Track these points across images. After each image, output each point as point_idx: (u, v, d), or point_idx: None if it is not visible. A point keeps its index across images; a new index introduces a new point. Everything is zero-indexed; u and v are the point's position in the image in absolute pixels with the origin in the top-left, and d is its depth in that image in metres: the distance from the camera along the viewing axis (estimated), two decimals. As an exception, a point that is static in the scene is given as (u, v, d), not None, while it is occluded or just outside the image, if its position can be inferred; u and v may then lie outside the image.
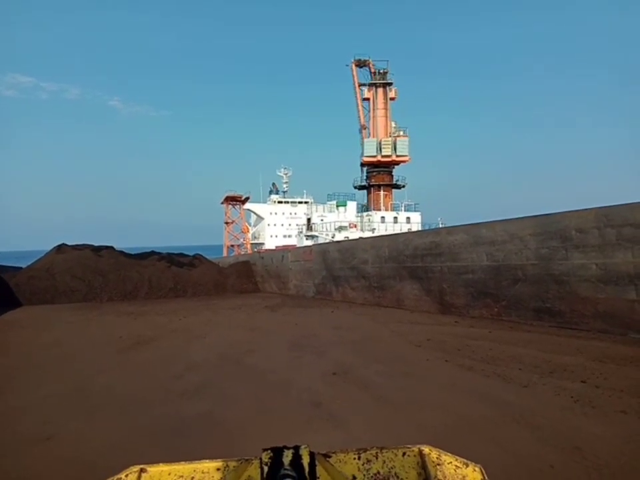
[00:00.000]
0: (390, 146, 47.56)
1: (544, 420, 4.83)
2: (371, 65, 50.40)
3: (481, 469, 1.34)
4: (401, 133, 49.84)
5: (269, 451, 1.27)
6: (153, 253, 30.59)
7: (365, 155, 48.74)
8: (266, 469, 1.24)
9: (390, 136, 48.62)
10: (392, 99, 50.21)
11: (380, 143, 48.01)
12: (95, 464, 4.10)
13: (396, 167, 49.84)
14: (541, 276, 11.27)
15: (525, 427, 4.65)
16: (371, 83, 50.19)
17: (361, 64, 50.53)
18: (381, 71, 50.18)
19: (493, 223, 12.94)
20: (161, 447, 4.49)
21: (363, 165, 50.16)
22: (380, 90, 49.74)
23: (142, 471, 1.31)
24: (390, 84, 49.65)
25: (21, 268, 26.25)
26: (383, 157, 47.98)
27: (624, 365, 6.97)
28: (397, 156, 47.63)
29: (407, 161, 48.74)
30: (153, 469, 1.32)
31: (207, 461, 1.35)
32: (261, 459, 1.27)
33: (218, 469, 1.33)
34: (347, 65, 50.69)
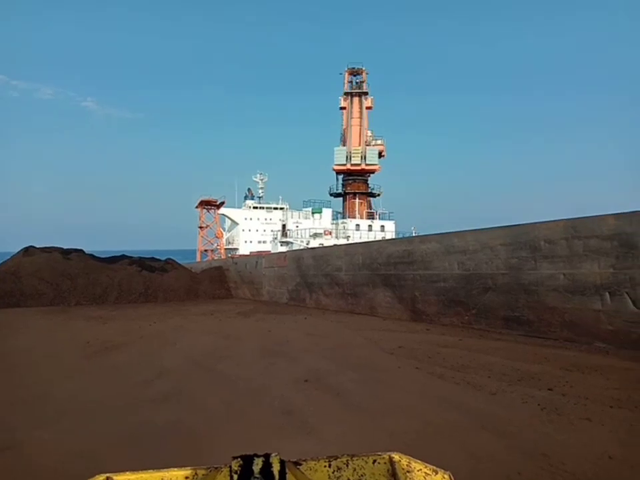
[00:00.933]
0: (359, 155, 47.99)
1: (512, 427, 4.91)
2: (364, 74, 50.70)
3: (450, 475, 1.35)
4: (378, 142, 50.32)
5: (239, 459, 1.25)
6: (123, 256, 30.03)
7: (335, 163, 49.13)
8: (236, 477, 1.22)
9: (367, 144, 49.05)
10: (368, 108, 50.65)
11: (350, 152, 48.45)
12: (59, 473, 3.99)
13: (371, 175, 50.27)
14: (511, 285, 11.49)
15: (494, 433, 4.72)
16: (347, 92, 50.58)
17: (354, 72, 50.83)
18: (358, 81, 50.65)
19: (465, 232, 13.14)
20: (128, 455, 4.39)
21: (338, 173, 50.47)
22: (355, 99, 50.15)
23: (108, 479, 1.29)
24: (366, 93, 50.11)
25: (-15, 270, 25.46)
26: (352, 165, 48.40)
27: (589, 374, 7.15)
28: (367, 165, 48.04)
29: (377, 170, 49.19)
30: (120, 477, 1.30)
31: (176, 469, 1.33)
32: (230, 467, 1.25)
33: (186, 477, 1.31)
34: (341, 74, 50.91)
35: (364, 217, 46.51)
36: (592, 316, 9.67)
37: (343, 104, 51.00)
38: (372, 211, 48.47)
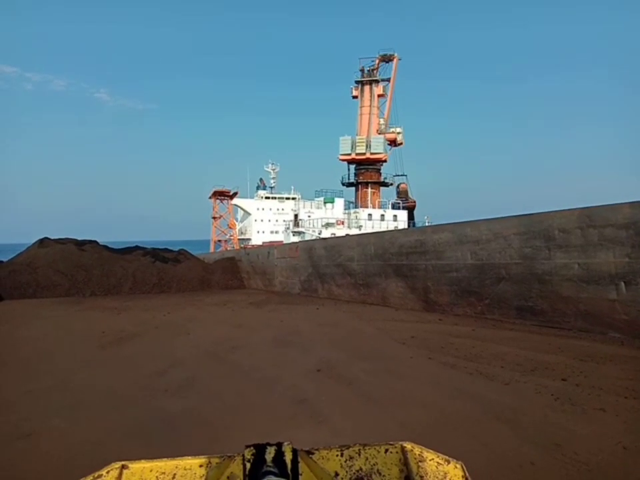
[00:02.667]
0: (364, 144, 47.63)
1: (525, 417, 4.89)
2: (395, 60, 50.04)
3: (462, 465, 1.35)
4: (395, 129, 50.01)
5: (252, 448, 1.26)
6: (137, 247, 30.30)
7: (340, 152, 48.92)
8: (248, 465, 1.24)
9: (379, 132, 48.74)
10: (380, 95, 50.26)
11: (354, 141, 48.17)
12: (76, 460, 4.06)
13: (384, 164, 50.01)
14: (524, 275, 11.40)
15: (506, 424, 4.71)
16: (357, 81, 50.20)
17: (386, 59, 50.28)
18: (369, 68, 50.20)
19: (478, 222, 13.04)
20: (143, 443, 4.46)
21: (349, 162, 50.27)
22: (366, 87, 49.78)
23: (123, 467, 1.30)
24: (377, 81, 49.70)
25: (2, 262, 25.84)
26: (357, 154, 48.10)
27: (603, 364, 7.09)
28: (371, 154, 47.64)
29: (382, 159, 48.76)
30: (135, 466, 1.31)
31: (190, 457, 1.35)
32: (243, 455, 1.27)
33: (200, 466, 1.33)
34: (373, 61, 50.43)
35: (376, 206, 46.38)
36: (607, 305, 9.57)
37: (354, 93, 50.71)
38: (381, 200, 48.15)
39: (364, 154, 47.66)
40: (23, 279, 23.02)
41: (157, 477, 1.30)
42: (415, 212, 48.47)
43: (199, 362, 8.15)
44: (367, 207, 45.58)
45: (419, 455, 1.36)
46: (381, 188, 50.59)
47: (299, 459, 1.26)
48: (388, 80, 50.23)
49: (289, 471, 1.23)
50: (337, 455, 1.35)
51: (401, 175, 51.80)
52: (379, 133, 48.88)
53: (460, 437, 4.38)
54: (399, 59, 50.22)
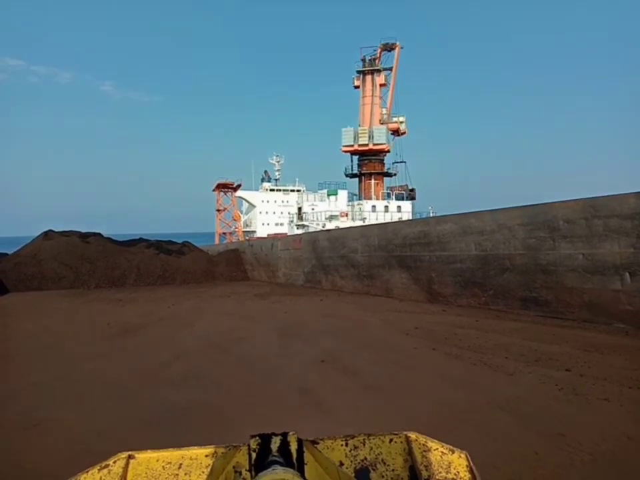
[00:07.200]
0: (366, 135, 47.26)
1: (529, 407, 4.90)
2: (397, 48, 49.54)
3: (466, 455, 1.35)
4: (398, 119, 49.69)
5: (257, 438, 1.27)
6: (141, 239, 30.37)
7: (343, 144, 48.61)
8: (254, 455, 1.24)
9: (381, 122, 48.47)
10: (382, 85, 49.88)
11: (356, 133, 47.85)
12: (82, 450, 4.10)
13: (387, 154, 49.75)
14: (529, 266, 11.37)
15: (510, 414, 4.72)
16: (359, 71, 49.83)
17: (388, 48, 49.78)
18: (370, 58, 49.77)
19: (482, 212, 13.00)
20: (149, 434, 4.49)
21: (353, 154, 50.05)
22: (368, 77, 49.38)
23: (130, 457, 1.31)
24: (378, 70, 49.29)
25: (6, 254, 25.96)
26: (360, 145, 47.75)
27: (608, 354, 7.08)
28: (374, 144, 47.26)
29: (385, 149, 48.38)
30: (141, 456, 1.32)
31: (195, 447, 1.36)
32: (249, 445, 1.27)
33: (206, 455, 1.34)
34: (374, 50, 50.01)
35: (380, 197, 46.22)
36: (611, 296, 9.55)
37: (356, 83, 50.39)
38: (384, 191, 47.91)
39: (367, 145, 47.36)
40: (28, 271, 23.14)
41: (163, 466, 1.31)
42: (417, 202, 48.12)
43: (204, 353, 8.19)
44: (370, 198, 45.44)
45: (423, 444, 1.36)
46: (385, 178, 50.41)
47: (304, 449, 1.27)
48: (390, 69, 49.81)
49: (294, 461, 1.23)
50: (342, 445, 1.36)
51: (400, 162, 51.38)
52: (382, 123, 48.54)
53: (464, 427, 4.40)
54: (402, 48, 49.73)
